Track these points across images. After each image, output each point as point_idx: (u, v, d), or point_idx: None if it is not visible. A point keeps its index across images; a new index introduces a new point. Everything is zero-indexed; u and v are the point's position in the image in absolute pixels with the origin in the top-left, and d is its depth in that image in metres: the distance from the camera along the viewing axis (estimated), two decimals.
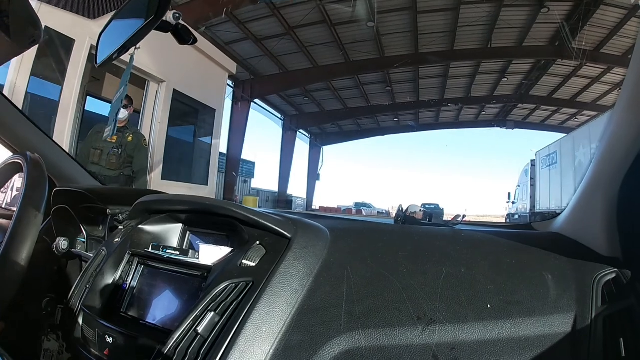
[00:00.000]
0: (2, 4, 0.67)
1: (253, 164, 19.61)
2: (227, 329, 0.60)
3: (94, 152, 3.85)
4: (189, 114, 7.69)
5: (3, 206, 1.67)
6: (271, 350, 0.60)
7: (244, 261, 0.68)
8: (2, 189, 1.47)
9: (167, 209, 0.86)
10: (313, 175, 20.17)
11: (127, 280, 0.82)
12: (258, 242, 0.71)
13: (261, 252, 0.69)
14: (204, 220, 0.84)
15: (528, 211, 13.88)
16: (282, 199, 17.85)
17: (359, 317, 0.63)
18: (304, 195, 20.55)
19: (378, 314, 0.64)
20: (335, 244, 0.73)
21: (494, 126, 19.16)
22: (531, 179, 14.18)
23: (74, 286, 0.86)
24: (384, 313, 0.64)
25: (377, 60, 12.42)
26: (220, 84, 8.63)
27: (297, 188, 20.31)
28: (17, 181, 1.55)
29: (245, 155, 16.57)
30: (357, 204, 23.50)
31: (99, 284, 0.82)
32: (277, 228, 0.71)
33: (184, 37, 0.80)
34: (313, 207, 20.07)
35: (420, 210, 0.96)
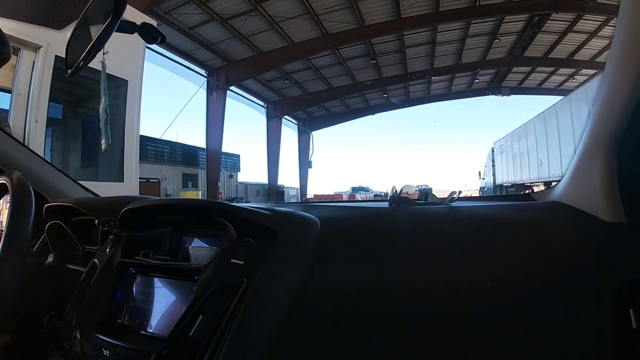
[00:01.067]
0: None
1: (237, 156, 19.57)
2: (220, 332, 0.62)
3: None
4: (84, 88, 6.17)
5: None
6: (265, 350, 0.62)
7: (232, 260, 0.70)
8: None
9: (153, 214, 0.88)
10: (304, 163, 20.23)
11: (121, 290, 0.85)
12: (246, 239, 0.73)
13: (250, 249, 0.71)
14: (192, 221, 0.87)
15: (492, 184, 20.02)
16: (272, 191, 17.85)
17: (353, 309, 0.65)
18: (297, 185, 20.61)
19: (374, 305, 0.66)
20: (326, 234, 0.75)
21: (488, 94, 19.36)
22: (492, 161, 20.32)
23: (70, 301, 0.89)
24: (381, 303, 0.66)
25: (357, 30, 12.24)
26: (134, 48, 6.95)
27: (289, 178, 20.37)
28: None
29: (229, 148, 16.49)
30: (354, 189, 23.77)
31: (93, 297, 0.84)
32: (263, 222, 0.73)
33: (152, 35, 0.81)
34: (307, 197, 20.15)
35: (416, 190, 0.99)
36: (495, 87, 18.89)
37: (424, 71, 16.33)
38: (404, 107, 20.37)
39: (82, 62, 0.79)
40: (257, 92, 16.64)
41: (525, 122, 15.45)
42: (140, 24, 0.79)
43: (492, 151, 20.32)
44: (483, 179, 21.76)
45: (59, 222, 1.20)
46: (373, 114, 21.14)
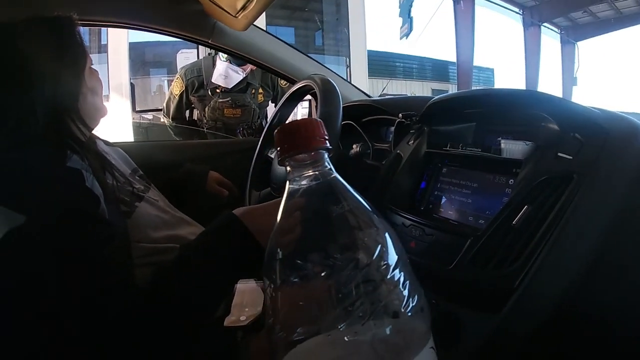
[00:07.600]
0: None
1: (492, 70, 18.98)
2: (548, 223, 0.66)
3: None
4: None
5: None
6: (593, 246, 0.64)
7: (559, 154, 0.72)
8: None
9: (462, 107, 0.97)
10: (568, 79, 17.76)
11: (425, 180, 0.99)
12: (572, 134, 0.73)
13: (577, 145, 0.72)
14: (500, 116, 0.92)
15: None
16: None
17: None
18: None
19: None
20: None
21: None
22: None
23: (374, 187, 1.05)
24: None
25: None
26: None
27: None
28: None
29: (481, 61, 16.03)
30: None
31: (398, 184, 1.00)
32: (593, 118, 0.73)
33: None
34: None
35: None
36: None
37: None
38: None
39: None
40: None
41: None
42: None
43: None
44: None
45: (351, 122, 1.45)
46: None
